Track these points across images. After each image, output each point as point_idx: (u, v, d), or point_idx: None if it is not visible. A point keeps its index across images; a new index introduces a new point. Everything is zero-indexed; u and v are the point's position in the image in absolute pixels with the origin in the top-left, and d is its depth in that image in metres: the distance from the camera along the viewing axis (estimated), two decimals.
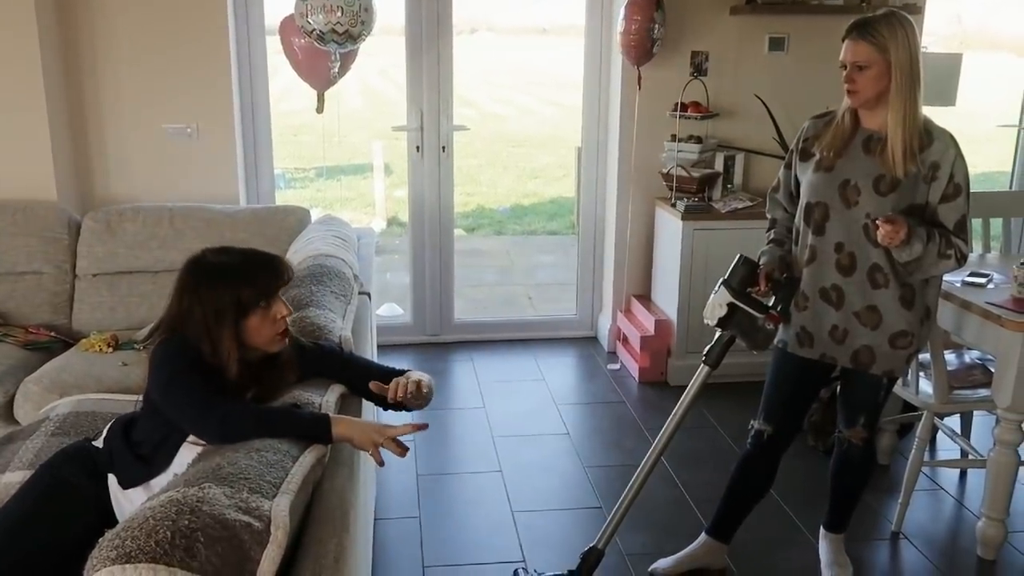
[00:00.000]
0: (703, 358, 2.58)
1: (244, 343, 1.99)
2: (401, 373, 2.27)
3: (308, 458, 1.68)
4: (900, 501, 3.12)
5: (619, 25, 4.19)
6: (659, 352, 4.37)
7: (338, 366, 2.25)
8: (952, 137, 2.39)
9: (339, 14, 3.56)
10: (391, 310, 5.37)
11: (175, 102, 4.12)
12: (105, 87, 4.05)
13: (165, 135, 4.14)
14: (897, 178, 2.37)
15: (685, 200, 4.26)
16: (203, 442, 1.88)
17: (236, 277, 2.00)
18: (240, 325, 1.98)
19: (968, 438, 3.55)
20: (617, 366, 4.61)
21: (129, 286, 3.67)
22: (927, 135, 2.38)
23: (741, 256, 2.53)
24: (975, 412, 3.62)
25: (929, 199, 2.39)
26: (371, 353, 3.22)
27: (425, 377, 2.22)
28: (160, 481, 1.90)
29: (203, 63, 4.09)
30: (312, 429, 1.86)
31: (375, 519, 3.12)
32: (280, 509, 1.47)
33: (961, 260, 2.40)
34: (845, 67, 2.37)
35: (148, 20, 4.00)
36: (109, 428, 2.11)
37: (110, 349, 3.33)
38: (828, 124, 2.52)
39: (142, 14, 3.99)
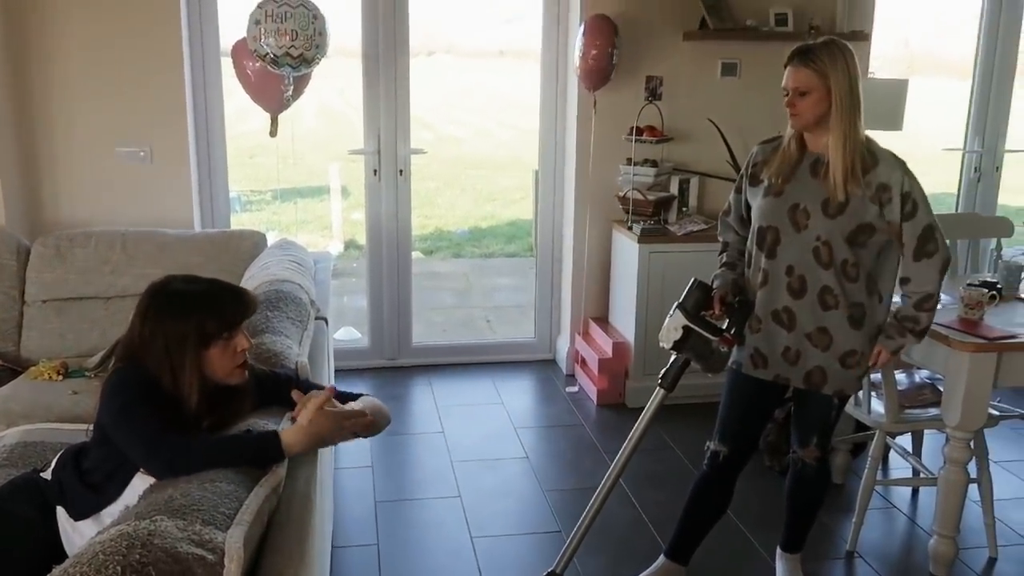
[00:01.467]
0: (659, 381, 2.61)
1: (203, 374, 1.97)
2: (356, 396, 2.26)
3: (263, 488, 1.65)
4: (854, 520, 3.16)
5: (577, 51, 4.24)
6: (617, 374, 4.40)
7: None
8: (896, 157, 2.45)
9: (293, 38, 3.55)
10: (348, 334, 5.34)
11: (127, 125, 4.07)
12: (55, 109, 3.99)
13: (117, 158, 4.09)
14: (844, 200, 2.42)
15: (641, 223, 4.30)
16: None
17: (202, 306, 1.97)
18: (201, 355, 1.95)
19: (919, 457, 3.62)
20: (575, 389, 4.62)
21: (80, 312, 3.60)
22: (871, 157, 2.43)
23: (695, 280, 2.56)
24: (926, 431, 3.69)
25: (890, 220, 2.44)
26: (328, 378, 3.19)
27: (369, 405, 2.19)
28: (112, 512, 1.86)
29: (156, 85, 4.05)
30: (262, 449, 1.84)
31: (332, 547, 3.08)
32: (234, 541, 1.44)
33: (945, 264, 2.46)
34: (787, 92, 2.44)
35: (100, 42, 3.96)
36: (58, 458, 2.06)
37: (60, 377, 3.26)
38: (776, 149, 2.56)
39: (93, 35, 3.95)
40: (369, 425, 2.07)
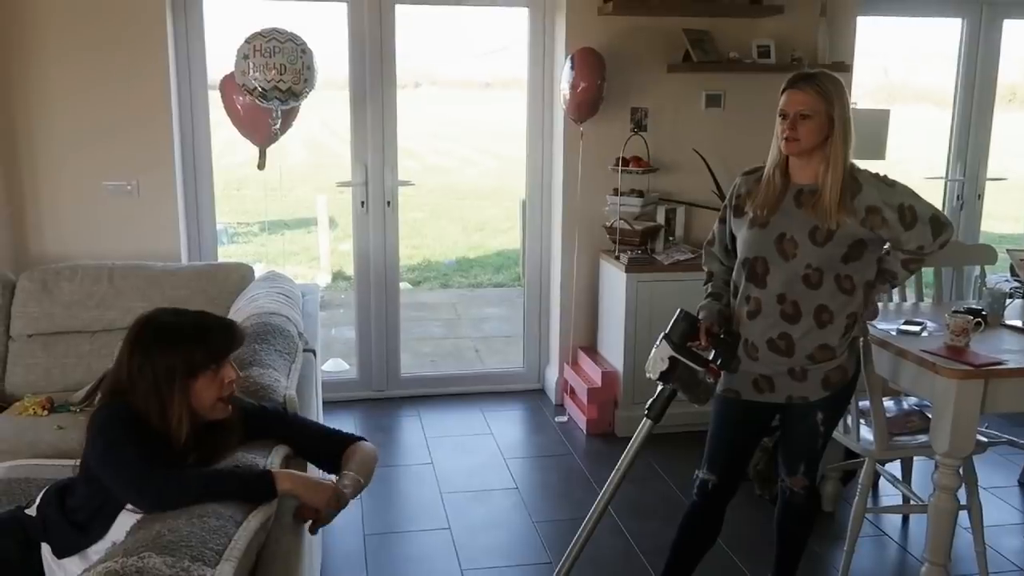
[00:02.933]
0: (646, 412, 2.60)
1: (191, 407, 1.96)
2: (345, 436, 2.25)
3: (252, 523, 1.64)
4: (845, 548, 3.15)
5: (566, 83, 4.28)
6: (606, 403, 4.39)
7: (282, 427, 2.22)
8: (876, 176, 2.49)
9: (281, 72, 3.57)
10: (337, 365, 5.32)
11: (114, 158, 4.08)
12: (41, 144, 4.00)
13: (104, 192, 4.09)
14: (831, 229, 2.44)
15: (628, 252, 4.32)
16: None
17: (189, 337, 1.97)
18: (188, 387, 1.94)
19: (909, 484, 3.62)
20: (565, 418, 4.62)
21: (66, 347, 3.58)
22: (855, 183, 2.46)
23: (681, 311, 2.57)
24: (915, 458, 3.70)
25: (891, 238, 2.47)
26: (317, 411, 3.18)
27: (361, 465, 2.20)
28: (98, 549, 1.84)
29: (144, 119, 4.07)
30: (254, 487, 1.83)
31: None
32: None
33: (948, 226, 2.48)
34: (785, 116, 2.44)
35: (87, 76, 3.98)
36: (43, 495, 2.04)
37: (45, 412, 3.23)
38: (759, 180, 2.58)
39: (80, 70, 3.97)
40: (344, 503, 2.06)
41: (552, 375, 4.90)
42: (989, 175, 5.30)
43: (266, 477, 1.86)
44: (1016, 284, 4.16)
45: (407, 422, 4.58)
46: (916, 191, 2.50)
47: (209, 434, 2.01)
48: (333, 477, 2.23)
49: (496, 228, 11.72)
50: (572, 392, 4.65)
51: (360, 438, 2.29)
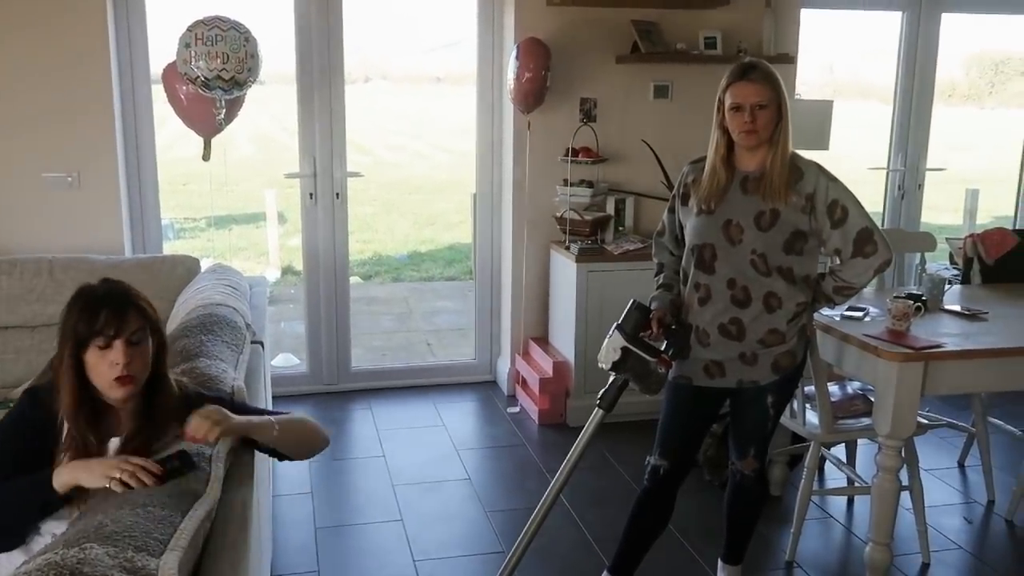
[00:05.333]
0: (597, 402, 2.62)
1: (85, 379, 1.92)
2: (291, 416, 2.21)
3: (198, 511, 1.61)
4: (792, 531, 3.21)
5: (511, 74, 4.28)
6: (558, 394, 4.41)
7: None
8: (819, 166, 2.53)
9: (224, 61, 3.52)
10: (287, 360, 5.27)
11: (54, 149, 3.98)
12: None
13: (44, 184, 3.99)
14: (777, 211, 2.47)
15: (579, 243, 4.34)
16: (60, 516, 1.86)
17: (80, 307, 1.93)
18: (80, 357, 1.90)
19: (854, 467, 3.69)
20: (517, 409, 4.62)
21: (4, 342, 3.49)
22: (796, 170, 2.50)
23: (634, 301, 2.58)
24: (859, 441, 3.78)
25: (818, 229, 2.50)
26: (266, 404, 3.14)
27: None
28: (40, 543, 1.80)
29: (84, 111, 3.97)
30: (35, 492, 1.80)
31: (272, 575, 3.02)
32: (168, 567, 1.40)
33: (884, 264, 2.51)
34: (739, 109, 2.44)
35: (22, 63, 3.87)
36: None
37: None
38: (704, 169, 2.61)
39: (15, 56, 3.86)
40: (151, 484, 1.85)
41: (504, 366, 4.90)
42: (929, 166, 5.42)
43: (42, 479, 1.81)
44: (955, 271, 4.28)
45: (358, 415, 4.55)
46: (863, 207, 2.51)
47: (148, 422, 1.97)
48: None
49: (448, 222, 11.69)
50: (524, 383, 4.66)
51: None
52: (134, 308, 1.96)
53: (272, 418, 2.12)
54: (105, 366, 1.91)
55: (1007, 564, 3.24)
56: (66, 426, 1.94)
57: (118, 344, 1.91)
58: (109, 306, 1.93)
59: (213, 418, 1.91)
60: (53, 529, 1.76)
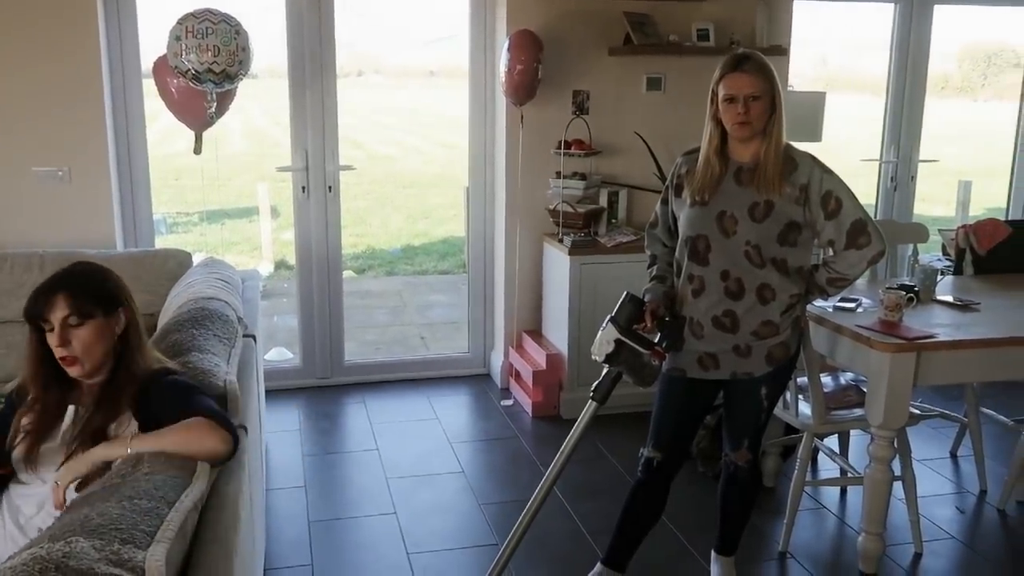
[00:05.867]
0: (591, 394, 2.62)
1: (45, 354, 2.03)
2: (196, 410, 1.98)
3: (185, 502, 1.60)
4: (786, 521, 3.21)
5: (503, 66, 4.26)
6: (551, 386, 4.41)
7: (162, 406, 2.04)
8: (814, 158, 2.52)
9: (215, 54, 3.49)
10: (280, 354, 5.26)
11: (45, 144, 3.96)
12: None
13: (34, 178, 3.97)
14: (771, 202, 2.47)
15: (572, 235, 4.34)
16: (23, 481, 1.99)
17: (31, 293, 2.03)
18: (33, 335, 2.03)
19: (847, 457, 3.70)
20: (510, 402, 4.62)
21: None
22: (790, 161, 2.50)
23: (628, 293, 2.58)
24: (852, 431, 3.79)
25: (812, 221, 2.50)
26: (259, 398, 3.13)
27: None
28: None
29: (75, 105, 3.95)
30: None
31: (266, 569, 3.01)
32: (155, 559, 1.39)
33: (877, 256, 2.50)
34: (733, 100, 2.43)
35: (12, 58, 3.85)
36: None
37: None
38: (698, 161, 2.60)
39: (7, 56, 3.84)
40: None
41: (497, 359, 4.90)
42: (922, 157, 5.42)
43: None
44: (947, 262, 4.28)
45: (352, 409, 4.54)
46: (857, 198, 2.51)
47: (105, 402, 2.02)
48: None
49: (442, 216, 11.68)
50: (517, 376, 4.66)
51: (215, 418, 1.97)
52: (64, 293, 2.00)
53: (128, 438, 1.90)
54: (54, 347, 2.01)
55: (999, 553, 3.25)
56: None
57: (61, 331, 1.99)
58: (41, 291, 2.01)
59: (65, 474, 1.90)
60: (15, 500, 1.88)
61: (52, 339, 1.99)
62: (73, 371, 2.02)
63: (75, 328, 1.99)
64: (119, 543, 1.38)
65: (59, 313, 1.99)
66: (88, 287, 2.03)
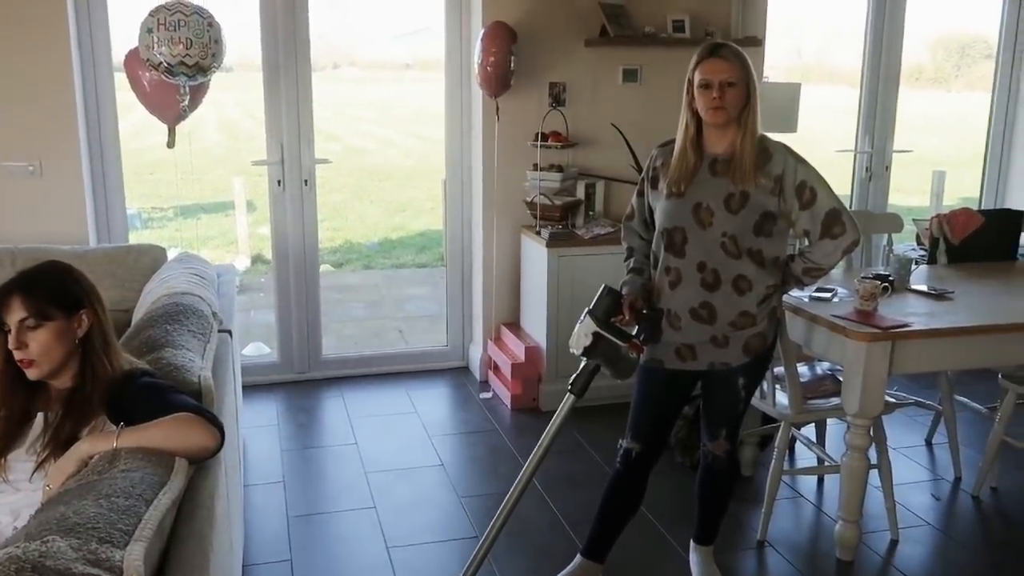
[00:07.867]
0: (569, 387, 2.62)
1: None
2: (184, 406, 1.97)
3: (163, 500, 1.59)
4: (763, 510, 3.23)
5: (476, 58, 4.25)
6: (530, 379, 4.41)
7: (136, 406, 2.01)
8: (788, 148, 2.54)
9: (187, 46, 3.46)
10: (258, 349, 5.23)
11: (14, 138, 3.91)
12: None
13: (5, 173, 3.92)
14: (746, 193, 2.48)
15: (549, 228, 4.34)
16: None
17: None
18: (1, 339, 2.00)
19: (823, 446, 3.73)
20: (489, 395, 4.62)
21: None
22: (764, 152, 2.51)
23: (605, 286, 2.58)
24: (828, 421, 3.82)
25: (791, 213, 2.51)
26: (236, 393, 3.11)
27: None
28: None
29: (44, 97, 3.90)
30: None
31: (244, 565, 3.00)
32: (133, 558, 1.38)
33: (852, 245, 2.51)
34: (708, 86, 2.44)
35: None
36: None
37: None
38: (673, 152, 2.61)
39: None
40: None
41: (476, 352, 4.90)
42: (896, 147, 5.46)
43: None
44: (921, 252, 4.32)
45: (330, 403, 4.52)
46: (831, 188, 2.52)
47: (72, 408, 2.00)
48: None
49: (419, 209, 11.65)
50: (496, 368, 4.66)
51: (200, 413, 1.95)
52: (21, 294, 1.97)
53: (116, 432, 1.87)
54: (12, 349, 1.97)
55: (974, 540, 3.29)
56: None
57: (16, 334, 1.96)
58: None
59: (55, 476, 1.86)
60: None
61: (10, 341, 1.95)
62: (31, 373, 1.98)
63: (32, 330, 1.95)
64: (96, 542, 1.37)
65: (15, 315, 1.95)
66: (47, 288, 1.99)
